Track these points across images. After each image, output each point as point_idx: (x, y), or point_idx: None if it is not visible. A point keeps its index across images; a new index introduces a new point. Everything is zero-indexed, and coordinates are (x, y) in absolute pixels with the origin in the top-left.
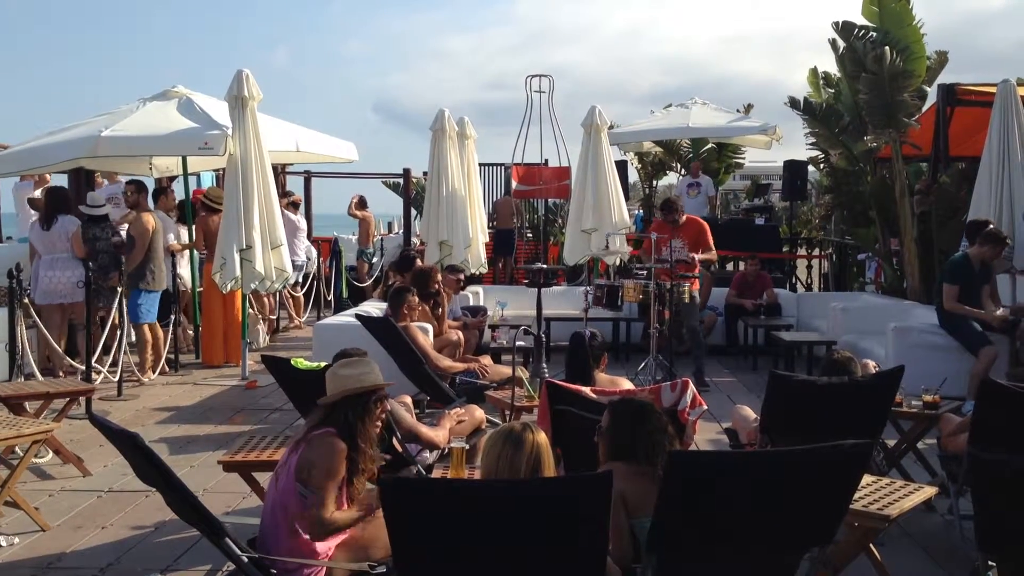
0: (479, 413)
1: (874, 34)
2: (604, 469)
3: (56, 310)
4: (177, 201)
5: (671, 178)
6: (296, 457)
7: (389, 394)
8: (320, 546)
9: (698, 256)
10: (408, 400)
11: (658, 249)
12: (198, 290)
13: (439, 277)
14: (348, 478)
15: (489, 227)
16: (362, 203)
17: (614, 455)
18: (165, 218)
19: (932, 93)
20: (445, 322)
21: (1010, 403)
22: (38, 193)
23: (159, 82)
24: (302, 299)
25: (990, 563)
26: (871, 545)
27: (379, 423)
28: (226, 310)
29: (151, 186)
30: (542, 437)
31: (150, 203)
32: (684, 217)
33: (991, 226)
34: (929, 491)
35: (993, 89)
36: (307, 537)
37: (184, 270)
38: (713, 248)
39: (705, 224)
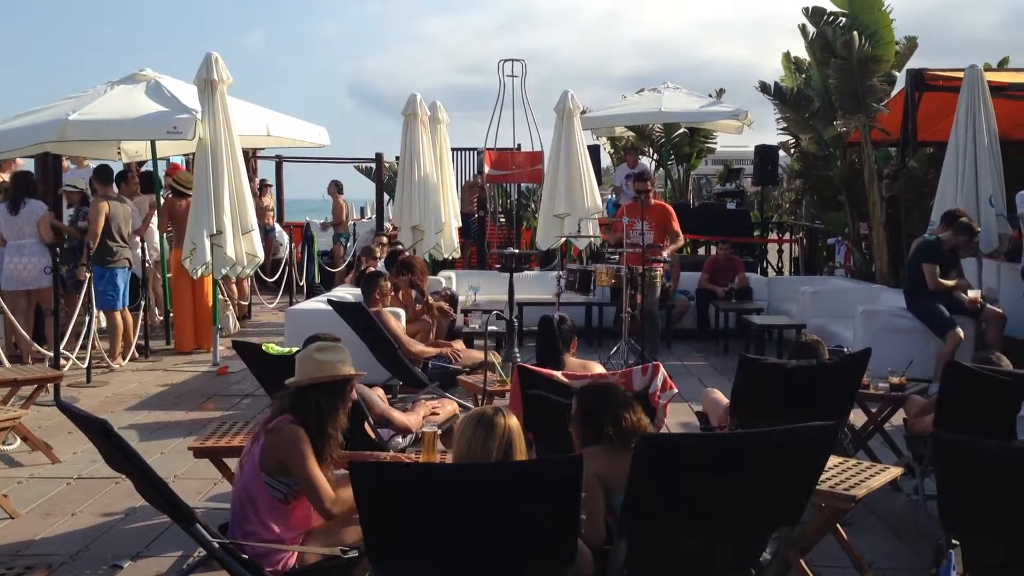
0: (451, 406)
1: (843, 20)
2: (580, 453)
3: (22, 296)
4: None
5: (644, 163)
6: (258, 447)
7: (364, 381)
8: (287, 533)
9: (667, 250)
10: (380, 390)
11: (626, 233)
12: (167, 275)
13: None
14: None
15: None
16: (338, 188)
17: (587, 440)
18: (129, 203)
19: (901, 78)
20: (430, 309)
21: (974, 384)
22: None
23: (130, 66)
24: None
25: (953, 542)
26: (838, 525)
27: (345, 411)
28: (195, 296)
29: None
30: (513, 421)
31: (114, 189)
32: (653, 200)
33: (963, 218)
34: (895, 471)
35: (961, 75)
36: (273, 524)
37: (157, 248)
38: (680, 233)
39: (671, 209)
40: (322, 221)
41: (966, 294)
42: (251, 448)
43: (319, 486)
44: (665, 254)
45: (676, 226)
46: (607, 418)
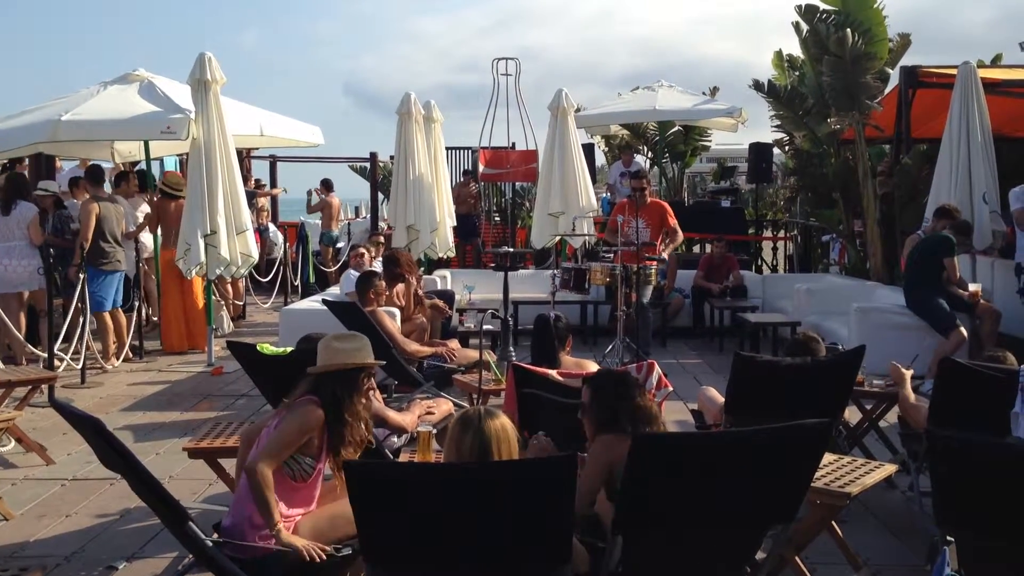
0: (446, 406)
1: (836, 17)
2: (594, 443)
3: (14, 298)
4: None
5: (639, 160)
6: (277, 421)
7: (376, 372)
8: (288, 511)
9: (667, 249)
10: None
11: (622, 231)
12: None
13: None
14: (334, 450)
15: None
16: (327, 186)
17: (600, 428)
18: (125, 204)
19: (895, 75)
20: (420, 304)
21: (968, 381)
22: None
23: (123, 66)
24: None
25: (948, 538)
26: (833, 522)
27: (365, 399)
28: (184, 296)
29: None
30: (501, 422)
31: (108, 188)
32: (649, 198)
33: (961, 217)
34: (889, 468)
35: (954, 71)
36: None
37: (149, 249)
38: (679, 230)
39: (668, 205)
40: (310, 191)
41: (965, 290)
42: (271, 423)
43: (274, 452)
44: (665, 254)
45: (674, 222)
46: (623, 407)
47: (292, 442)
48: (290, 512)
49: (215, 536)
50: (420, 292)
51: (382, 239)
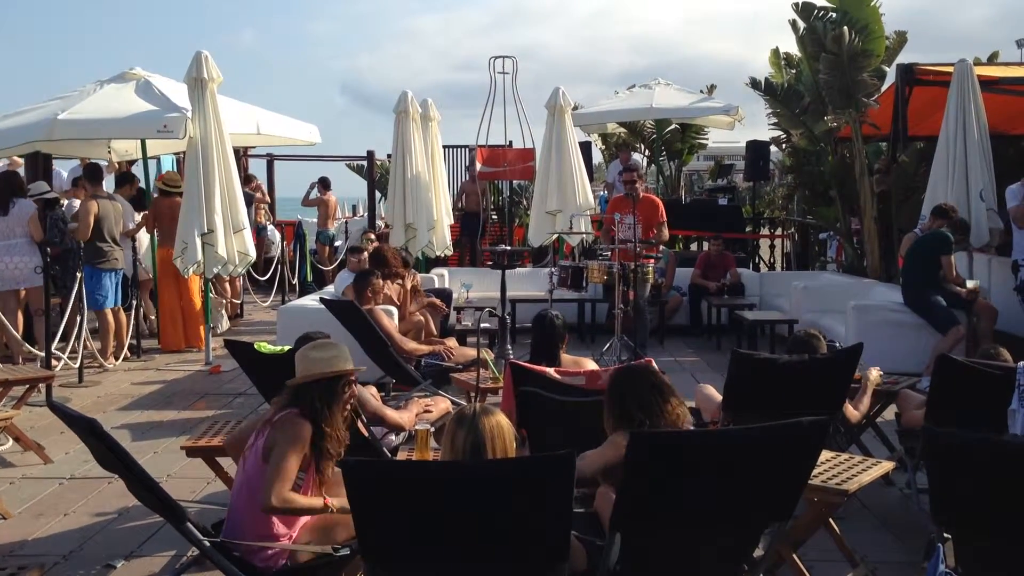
0: (444, 404)
1: (833, 14)
2: (612, 439)
3: (12, 296)
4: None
5: (636, 158)
6: (263, 439)
7: (358, 379)
8: (283, 528)
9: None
10: (373, 388)
11: (618, 228)
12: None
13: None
14: (316, 463)
15: (456, 210)
16: (324, 184)
17: (618, 423)
18: (125, 203)
19: (891, 73)
20: (418, 294)
21: (965, 378)
22: None
23: (120, 64)
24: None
25: (945, 535)
26: (830, 519)
27: (347, 408)
28: (182, 294)
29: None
30: (498, 420)
31: (107, 188)
32: (642, 193)
33: (957, 215)
34: (887, 466)
35: (951, 69)
36: (274, 519)
37: (146, 256)
38: (666, 228)
39: (660, 202)
40: (312, 183)
41: (963, 287)
42: (255, 442)
43: (283, 476)
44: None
45: (663, 218)
46: (632, 402)
47: (297, 459)
48: (289, 530)
49: (214, 535)
50: (418, 286)
51: (372, 236)
